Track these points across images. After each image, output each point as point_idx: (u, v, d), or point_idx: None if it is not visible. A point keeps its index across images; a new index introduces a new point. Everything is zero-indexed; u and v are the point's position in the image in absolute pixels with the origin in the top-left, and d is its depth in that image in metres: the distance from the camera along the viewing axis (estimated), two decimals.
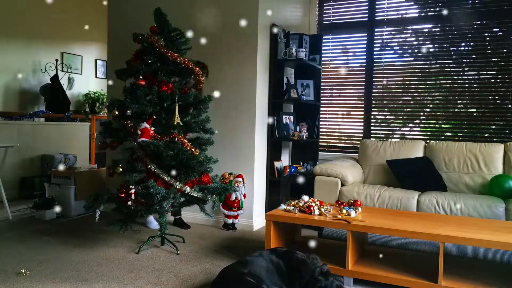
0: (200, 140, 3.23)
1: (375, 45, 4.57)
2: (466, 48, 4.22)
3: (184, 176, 3.15)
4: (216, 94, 3.87)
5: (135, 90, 3.01)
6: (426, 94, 4.36)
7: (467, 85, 4.21)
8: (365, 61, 4.61)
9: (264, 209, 4.10)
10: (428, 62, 4.36)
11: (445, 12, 4.27)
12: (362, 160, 4.14)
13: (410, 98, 4.43)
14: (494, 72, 4.11)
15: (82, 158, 5.96)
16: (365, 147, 4.15)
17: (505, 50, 4.06)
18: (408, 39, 4.45)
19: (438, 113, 4.32)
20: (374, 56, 4.57)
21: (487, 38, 4.13)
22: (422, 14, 4.37)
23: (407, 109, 4.46)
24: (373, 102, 4.58)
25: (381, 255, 2.81)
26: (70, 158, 5.54)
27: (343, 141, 4.77)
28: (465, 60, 4.22)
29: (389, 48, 4.53)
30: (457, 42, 4.24)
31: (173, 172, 3.04)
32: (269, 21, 4.00)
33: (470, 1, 4.19)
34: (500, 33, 4.08)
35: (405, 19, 4.45)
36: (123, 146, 3.18)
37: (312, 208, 2.74)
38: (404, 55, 4.48)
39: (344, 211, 2.71)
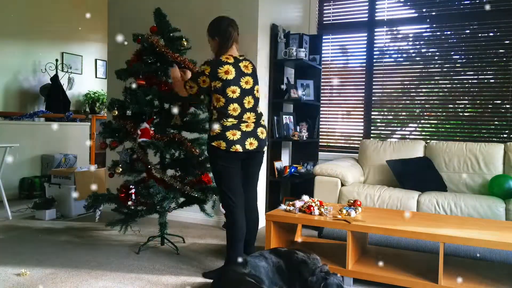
0: (200, 140, 3.23)
1: (375, 45, 4.57)
2: (465, 48, 4.21)
3: (184, 176, 3.16)
4: None
5: (135, 90, 3.01)
6: (426, 94, 4.36)
7: (467, 86, 4.21)
8: (365, 61, 4.61)
9: (264, 209, 4.10)
10: (428, 62, 4.36)
11: (444, 13, 4.27)
12: (362, 160, 4.14)
13: (410, 98, 4.43)
14: (494, 72, 4.11)
15: (82, 158, 5.96)
16: (365, 147, 4.15)
17: (503, 51, 4.06)
18: (407, 40, 4.45)
19: (438, 113, 4.32)
20: (374, 56, 4.57)
21: (486, 39, 4.13)
22: (422, 15, 4.37)
23: (407, 109, 4.46)
24: (373, 102, 4.58)
25: (381, 255, 2.81)
26: (70, 158, 5.54)
27: (343, 141, 4.77)
28: (464, 61, 4.22)
29: (389, 48, 4.53)
30: (457, 43, 4.24)
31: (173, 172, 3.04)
32: (269, 21, 4.00)
33: (469, 2, 4.19)
34: (499, 34, 4.08)
35: (405, 19, 4.45)
36: (123, 146, 3.18)
37: (312, 208, 2.74)
38: (404, 55, 4.48)
39: (344, 211, 2.71)
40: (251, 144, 2.57)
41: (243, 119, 2.56)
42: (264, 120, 2.85)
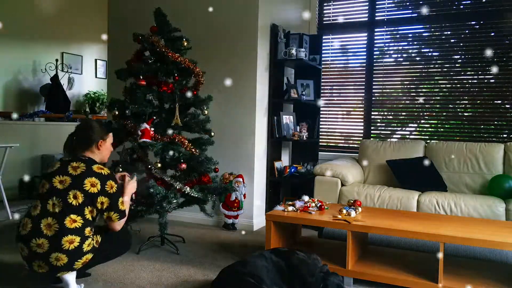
0: (201, 140, 3.23)
1: (375, 45, 4.57)
2: (466, 48, 4.21)
3: (184, 176, 3.15)
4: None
5: (135, 90, 3.01)
6: (426, 94, 4.36)
7: (467, 86, 4.21)
8: (365, 61, 4.61)
9: (264, 209, 4.10)
10: (428, 62, 4.36)
11: (444, 13, 4.27)
12: (362, 160, 4.14)
13: (410, 98, 4.43)
14: (494, 72, 4.11)
15: None
16: (365, 147, 4.15)
17: (504, 51, 4.06)
18: (407, 40, 4.45)
19: (438, 113, 4.32)
20: (374, 56, 4.57)
21: (486, 39, 4.13)
22: (422, 15, 4.37)
23: (407, 109, 4.46)
24: (373, 102, 4.58)
25: (381, 255, 2.81)
26: None
27: (343, 141, 4.77)
28: (465, 61, 4.22)
29: (389, 48, 4.53)
30: (457, 43, 4.24)
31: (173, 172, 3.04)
32: (269, 21, 4.00)
33: (469, 2, 4.19)
34: (499, 34, 4.08)
35: (405, 19, 4.45)
36: (123, 146, 3.18)
37: (307, 208, 2.77)
38: (404, 55, 4.48)
39: (344, 211, 2.71)
40: None
41: None
42: None
